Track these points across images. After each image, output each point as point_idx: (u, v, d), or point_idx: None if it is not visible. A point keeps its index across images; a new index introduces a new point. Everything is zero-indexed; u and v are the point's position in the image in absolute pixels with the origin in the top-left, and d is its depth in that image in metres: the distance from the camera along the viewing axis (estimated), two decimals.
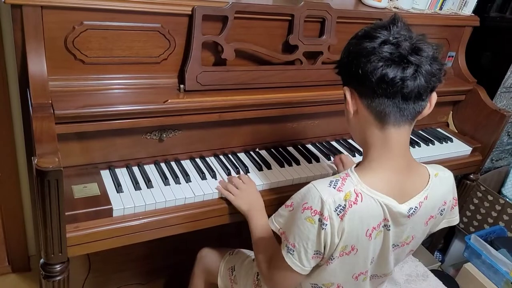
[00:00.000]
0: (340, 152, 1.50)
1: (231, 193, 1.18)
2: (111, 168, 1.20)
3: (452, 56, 1.82)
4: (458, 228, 2.19)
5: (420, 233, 0.99)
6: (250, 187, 1.20)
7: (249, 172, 1.30)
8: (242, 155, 1.38)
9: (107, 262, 1.62)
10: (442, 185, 0.96)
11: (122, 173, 1.19)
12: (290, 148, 1.48)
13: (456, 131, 1.87)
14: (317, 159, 1.43)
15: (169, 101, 1.16)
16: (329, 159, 1.45)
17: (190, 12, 1.19)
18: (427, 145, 1.69)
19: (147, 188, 1.16)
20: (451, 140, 1.77)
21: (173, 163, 1.28)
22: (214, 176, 1.26)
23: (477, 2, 1.76)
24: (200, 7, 1.18)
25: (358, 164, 0.93)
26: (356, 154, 1.52)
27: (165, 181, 1.19)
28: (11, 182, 1.60)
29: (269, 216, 1.02)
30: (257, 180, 1.27)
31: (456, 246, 2.20)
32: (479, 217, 2.14)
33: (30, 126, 1.04)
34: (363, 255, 0.92)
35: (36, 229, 1.49)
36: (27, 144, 1.26)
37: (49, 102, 1.05)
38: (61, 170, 0.89)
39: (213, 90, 1.27)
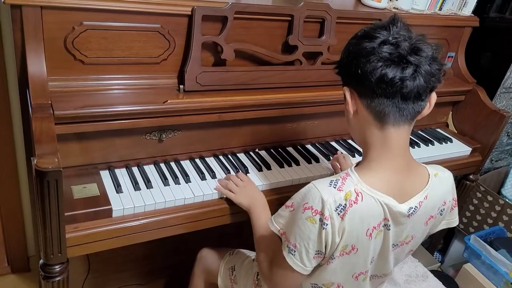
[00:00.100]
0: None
1: (231, 191, 1.18)
2: (110, 168, 1.20)
3: (452, 57, 1.82)
4: (457, 228, 2.19)
5: (420, 233, 0.99)
6: (249, 183, 1.21)
7: (248, 173, 1.30)
8: (241, 156, 1.38)
9: (106, 263, 1.62)
10: (442, 185, 0.97)
11: (121, 174, 1.19)
12: (290, 149, 1.48)
13: (456, 132, 1.87)
14: (317, 160, 1.43)
15: (168, 101, 1.16)
16: (328, 159, 1.45)
17: (189, 13, 1.19)
18: (427, 145, 1.69)
19: (147, 188, 1.16)
20: (451, 141, 1.77)
21: (172, 164, 1.28)
22: (213, 176, 1.26)
23: (476, 2, 1.76)
24: (200, 7, 1.18)
25: (358, 164, 0.93)
26: (356, 155, 1.52)
27: (165, 182, 1.19)
28: (11, 183, 1.60)
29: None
30: (257, 180, 1.27)
31: (456, 247, 2.20)
32: (478, 217, 2.14)
33: (29, 127, 1.04)
34: (363, 255, 0.92)
35: (36, 230, 1.49)
36: (26, 144, 1.26)
37: (48, 103, 1.05)
38: (61, 170, 0.89)
39: (212, 90, 1.27)
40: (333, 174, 1.36)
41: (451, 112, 1.89)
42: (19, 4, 1.01)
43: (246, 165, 1.33)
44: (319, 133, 1.54)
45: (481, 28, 1.80)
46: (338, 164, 1.35)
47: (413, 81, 0.81)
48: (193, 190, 1.19)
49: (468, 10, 1.77)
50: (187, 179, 1.22)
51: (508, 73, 1.97)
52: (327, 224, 0.84)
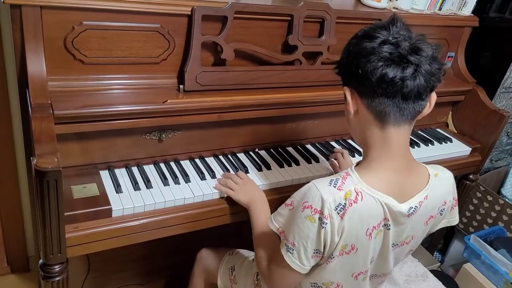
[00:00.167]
0: None
1: (230, 189, 1.18)
2: (110, 168, 1.20)
3: (452, 57, 1.82)
4: (457, 228, 2.19)
5: (420, 233, 0.99)
6: (249, 181, 1.21)
7: (248, 173, 1.30)
8: (241, 156, 1.38)
9: (106, 262, 1.62)
10: (442, 185, 0.97)
11: (121, 174, 1.19)
12: (290, 149, 1.48)
13: (456, 132, 1.87)
14: (317, 160, 1.43)
15: (168, 101, 1.16)
16: (328, 159, 1.44)
17: (189, 13, 1.18)
18: (427, 145, 1.69)
19: (147, 188, 1.16)
20: (451, 141, 1.77)
21: (172, 164, 1.28)
22: (213, 176, 1.26)
23: (476, 2, 1.76)
24: (200, 7, 1.18)
25: (358, 164, 0.93)
26: (356, 155, 1.52)
27: (165, 182, 1.19)
28: (10, 183, 1.60)
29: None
30: (257, 180, 1.27)
31: (456, 247, 2.20)
32: (478, 217, 2.14)
33: (29, 126, 1.04)
34: (363, 255, 0.92)
35: (35, 230, 1.49)
36: (26, 144, 1.26)
37: (48, 102, 1.05)
38: (60, 170, 0.89)
39: (212, 90, 1.27)
40: (333, 174, 1.37)
41: (451, 112, 1.89)
42: (18, 4, 1.00)
43: (246, 165, 1.33)
44: (319, 133, 1.54)
45: (480, 28, 1.80)
46: (336, 163, 1.35)
47: (414, 80, 0.81)
48: (192, 190, 1.19)
49: (467, 10, 1.77)
50: (187, 179, 1.22)
51: (507, 73, 1.97)
52: (326, 223, 0.84)
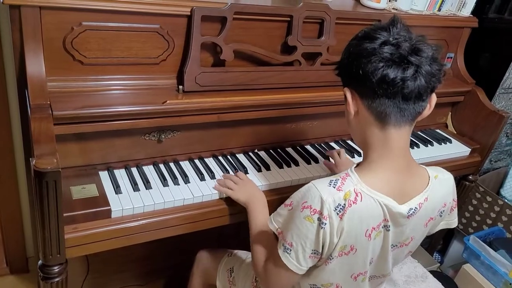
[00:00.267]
0: None
1: (229, 188, 1.18)
2: (109, 169, 1.19)
3: (451, 57, 1.83)
4: (457, 229, 2.19)
5: (419, 235, 0.99)
6: (248, 181, 1.21)
7: (248, 173, 1.30)
8: (241, 156, 1.38)
9: (106, 263, 1.62)
10: (442, 187, 0.97)
11: (120, 174, 1.19)
12: (289, 149, 1.48)
13: (455, 132, 1.87)
14: (316, 160, 1.43)
15: (168, 102, 1.16)
16: (328, 160, 1.44)
17: (189, 13, 1.18)
18: (426, 146, 1.69)
19: (146, 189, 1.16)
20: (450, 141, 1.77)
21: (171, 164, 1.27)
22: (213, 177, 1.25)
23: (475, 3, 1.76)
24: (199, 8, 1.18)
25: (358, 165, 0.93)
26: (355, 155, 1.52)
27: (164, 182, 1.19)
28: (10, 183, 1.60)
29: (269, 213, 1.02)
30: (256, 181, 1.27)
31: (455, 247, 2.20)
32: (478, 218, 2.14)
33: (28, 127, 1.04)
34: (362, 255, 0.92)
35: (35, 231, 1.49)
36: (25, 145, 1.26)
37: (47, 103, 1.05)
38: (59, 171, 0.89)
39: (212, 91, 1.27)
40: (331, 174, 1.37)
41: (450, 113, 1.89)
42: (18, 4, 1.00)
43: (245, 165, 1.33)
44: (318, 134, 1.54)
45: (480, 28, 1.80)
46: (332, 161, 1.35)
47: (414, 81, 0.81)
48: (192, 190, 1.19)
49: (467, 11, 1.77)
50: (186, 179, 1.22)
51: (507, 74, 1.97)
52: (325, 224, 0.84)
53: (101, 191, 1.11)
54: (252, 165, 1.35)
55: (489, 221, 2.10)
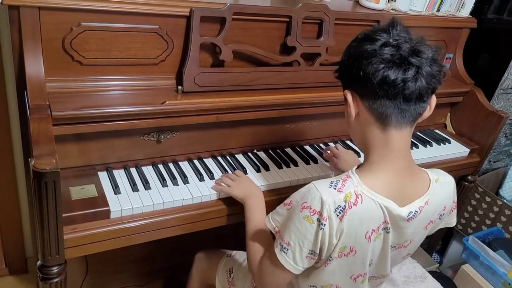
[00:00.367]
0: None
1: (227, 185, 1.18)
2: (108, 169, 1.19)
3: (450, 58, 1.83)
4: (456, 229, 2.19)
5: (418, 237, 0.99)
6: (246, 178, 1.21)
7: (247, 174, 1.30)
8: (240, 157, 1.38)
9: (105, 264, 1.62)
10: (443, 190, 0.96)
11: (119, 175, 1.19)
12: (288, 150, 1.48)
13: (454, 133, 1.87)
14: (315, 161, 1.43)
15: (167, 102, 1.16)
16: (326, 160, 1.45)
17: (188, 14, 1.19)
18: (425, 146, 1.70)
19: (145, 189, 1.16)
20: (449, 142, 1.77)
21: (171, 165, 1.27)
22: (212, 177, 1.25)
23: (474, 4, 1.76)
24: (198, 8, 1.18)
25: (359, 166, 0.93)
26: None
27: (163, 183, 1.19)
28: (9, 184, 1.59)
29: (267, 212, 1.02)
30: (255, 181, 1.27)
31: (454, 248, 2.20)
32: (477, 218, 2.14)
33: (27, 128, 1.04)
34: (362, 257, 0.92)
35: (34, 231, 1.49)
36: (24, 145, 1.26)
37: (46, 104, 1.05)
38: (59, 171, 0.89)
39: (211, 91, 1.27)
40: (330, 168, 1.37)
41: (449, 113, 1.89)
42: (17, 5, 1.00)
43: (245, 166, 1.33)
44: (317, 134, 1.54)
45: (478, 29, 1.80)
46: (333, 157, 1.35)
47: (415, 82, 0.81)
48: (191, 191, 1.19)
49: (465, 12, 1.77)
50: (185, 180, 1.22)
51: (505, 74, 1.97)
52: (324, 225, 0.84)
53: (100, 191, 1.11)
54: (251, 165, 1.35)
55: (488, 222, 2.10)
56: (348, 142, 1.59)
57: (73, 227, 1.02)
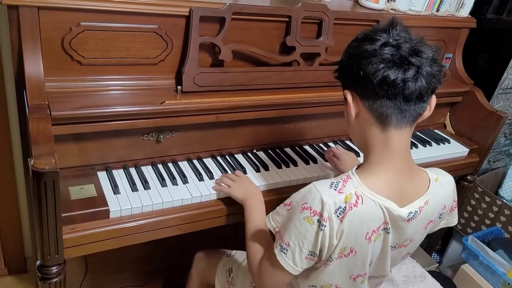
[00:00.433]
0: None
1: (226, 185, 1.18)
2: (108, 169, 1.19)
3: (449, 58, 1.83)
4: (455, 229, 2.19)
5: (418, 237, 0.99)
6: (245, 178, 1.21)
7: (246, 173, 1.30)
8: (239, 157, 1.38)
9: (104, 264, 1.62)
10: (443, 190, 0.96)
11: (119, 174, 1.19)
12: (288, 150, 1.48)
13: (453, 133, 1.87)
14: (315, 160, 1.43)
15: (166, 102, 1.16)
16: (326, 160, 1.45)
17: (187, 13, 1.18)
18: (425, 146, 1.70)
19: (144, 189, 1.16)
20: (448, 142, 1.77)
21: (170, 164, 1.27)
22: (211, 177, 1.25)
23: (473, 4, 1.76)
24: (198, 8, 1.18)
25: (358, 167, 0.93)
26: None
27: (162, 182, 1.19)
28: (8, 184, 1.59)
29: (266, 212, 1.02)
30: (255, 181, 1.27)
31: (454, 247, 2.20)
32: (476, 218, 2.14)
33: (26, 128, 1.03)
34: (362, 258, 0.91)
35: (33, 231, 1.49)
36: (23, 145, 1.26)
37: (45, 103, 1.05)
38: (58, 171, 0.89)
39: (210, 91, 1.27)
40: (330, 168, 1.37)
41: (448, 113, 1.89)
42: (16, 5, 1.00)
43: (244, 165, 1.33)
44: (317, 134, 1.54)
45: (478, 29, 1.80)
46: (334, 158, 1.35)
47: (415, 82, 0.81)
48: (190, 191, 1.19)
49: (465, 12, 1.77)
50: (184, 180, 1.22)
51: (505, 74, 1.97)
52: (325, 226, 0.84)
53: (100, 191, 1.11)
54: (251, 165, 1.35)
55: (487, 221, 2.10)
56: (348, 142, 1.59)
57: (72, 227, 1.02)
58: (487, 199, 2.08)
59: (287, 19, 1.34)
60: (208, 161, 1.33)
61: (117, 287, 1.71)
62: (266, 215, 0.98)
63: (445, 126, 1.91)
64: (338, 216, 0.84)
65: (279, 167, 1.37)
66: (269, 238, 1.01)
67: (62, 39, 1.09)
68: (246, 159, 1.37)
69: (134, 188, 1.15)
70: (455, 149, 1.73)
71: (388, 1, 1.64)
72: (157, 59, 1.22)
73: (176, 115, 1.20)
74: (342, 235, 0.85)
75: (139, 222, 1.09)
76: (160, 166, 1.26)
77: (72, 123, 1.06)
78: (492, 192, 2.15)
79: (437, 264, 2.12)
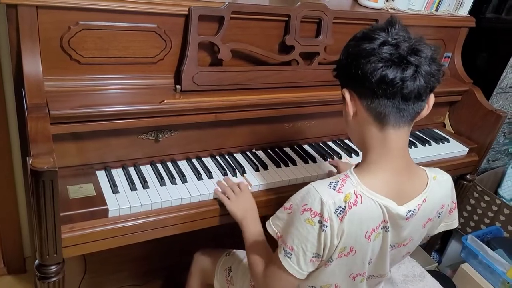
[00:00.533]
0: (337, 153, 1.50)
1: (227, 197, 1.17)
2: (107, 168, 1.19)
3: (448, 57, 1.83)
4: (455, 228, 2.19)
5: (417, 236, 0.99)
6: (246, 193, 1.19)
7: (245, 173, 1.30)
8: (238, 156, 1.38)
9: (103, 263, 1.62)
10: (441, 188, 0.96)
11: (118, 174, 1.19)
12: (287, 149, 1.48)
13: (453, 132, 1.87)
14: (314, 160, 1.43)
15: (165, 101, 1.16)
16: (325, 159, 1.45)
17: (186, 13, 1.18)
18: (424, 145, 1.70)
19: (143, 188, 1.16)
20: (448, 141, 1.77)
21: (169, 164, 1.27)
22: (210, 176, 1.25)
23: (473, 3, 1.76)
24: (196, 7, 1.18)
25: (357, 166, 0.92)
26: (353, 155, 1.52)
27: (161, 182, 1.19)
28: (7, 183, 1.59)
29: (264, 218, 1.01)
30: (254, 180, 1.27)
31: (453, 247, 2.20)
32: (475, 217, 2.14)
33: (25, 127, 1.03)
34: (362, 257, 0.91)
35: (32, 230, 1.49)
36: (22, 145, 1.26)
37: (44, 103, 1.04)
38: (56, 170, 0.89)
39: (209, 90, 1.27)
40: (330, 175, 1.37)
41: (448, 112, 1.89)
42: (14, 4, 1.00)
43: (243, 165, 1.33)
44: (316, 133, 1.54)
45: (477, 28, 1.80)
46: (334, 168, 1.35)
47: (414, 81, 0.81)
48: (189, 190, 1.19)
49: (464, 11, 1.77)
50: (183, 179, 1.22)
51: (504, 74, 1.97)
52: (326, 226, 0.84)
53: (98, 190, 1.11)
54: (250, 164, 1.35)
55: (487, 221, 2.10)
56: (347, 142, 1.59)
57: (71, 226, 1.02)
58: (487, 198, 2.08)
59: (286, 18, 1.34)
60: (207, 161, 1.33)
61: (116, 286, 1.71)
62: (264, 219, 0.98)
63: (444, 126, 1.91)
64: (338, 216, 0.84)
65: (278, 166, 1.37)
66: (270, 248, 1.01)
67: (60, 38, 1.09)
68: (245, 159, 1.37)
69: (133, 187, 1.15)
70: (455, 148, 1.73)
71: (387, 0, 1.64)
72: (156, 58, 1.22)
73: (175, 114, 1.19)
74: (343, 235, 0.85)
75: (138, 222, 1.09)
76: (159, 166, 1.26)
77: (70, 122, 1.06)
78: (491, 191, 2.15)
79: (437, 264, 2.12)
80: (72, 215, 1.03)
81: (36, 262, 1.03)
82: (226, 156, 1.36)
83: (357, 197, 0.85)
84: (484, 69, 2.02)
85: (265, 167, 1.34)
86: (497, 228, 2.04)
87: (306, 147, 1.52)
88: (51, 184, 0.89)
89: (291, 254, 0.88)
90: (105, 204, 1.07)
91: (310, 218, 0.84)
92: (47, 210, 0.92)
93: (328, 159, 1.43)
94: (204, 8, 1.19)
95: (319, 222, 0.84)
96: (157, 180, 1.20)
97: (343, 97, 0.90)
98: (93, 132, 1.11)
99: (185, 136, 1.27)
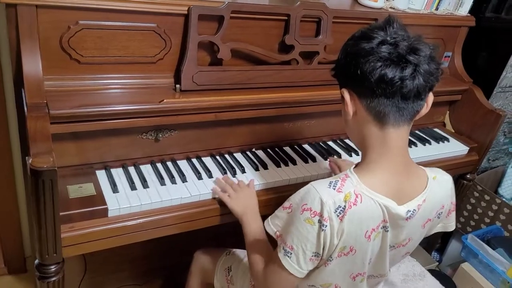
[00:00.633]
0: (337, 152, 1.50)
1: (227, 194, 1.17)
2: (106, 168, 1.19)
3: (448, 56, 1.83)
4: (455, 228, 2.19)
5: (417, 236, 0.99)
6: (247, 190, 1.19)
7: (245, 172, 1.30)
8: (238, 155, 1.38)
9: (103, 263, 1.62)
10: (441, 188, 0.96)
11: (118, 173, 1.19)
12: (287, 148, 1.48)
13: (453, 131, 1.87)
14: (314, 159, 1.43)
15: (165, 101, 1.16)
16: (325, 159, 1.45)
17: (186, 12, 1.18)
18: (424, 145, 1.69)
19: (143, 188, 1.16)
20: (448, 140, 1.77)
21: (169, 163, 1.27)
22: (210, 176, 1.25)
23: (472, 2, 1.76)
24: (196, 6, 1.18)
25: (357, 165, 0.92)
26: (353, 154, 1.52)
27: (161, 181, 1.19)
28: (7, 182, 1.59)
29: (264, 217, 1.01)
30: (254, 180, 1.27)
31: (453, 246, 2.20)
32: (476, 217, 2.14)
33: (25, 126, 1.03)
34: (361, 256, 0.91)
35: (32, 230, 1.49)
36: (22, 144, 1.26)
37: (44, 102, 1.04)
38: (56, 170, 0.89)
39: (209, 90, 1.27)
40: (331, 174, 1.37)
41: (448, 112, 1.89)
42: (14, 3, 1.00)
43: (243, 164, 1.33)
44: (316, 133, 1.54)
45: (477, 28, 1.80)
46: (336, 166, 1.35)
47: (413, 80, 0.81)
48: (189, 189, 1.19)
49: (464, 10, 1.77)
50: (183, 178, 1.22)
51: (504, 73, 1.97)
52: (326, 226, 0.83)
53: (98, 190, 1.11)
54: (250, 164, 1.35)
55: (487, 220, 2.10)
56: (347, 141, 1.59)
57: (71, 225, 1.02)
58: (487, 197, 2.08)
59: (286, 18, 1.34)
60: (207, 160, 1.33)
61: (116, 286, 1.71)
62: (264, 218, 0.98)
63: (444, 125, 1.91)
64: (338, 216, 0.84)
65: (278, 166, 1.37)
66: (270, 246, 1.00)
67: (60, 38, 1.09)
68: (245, 158, 1.37)
69: (132, 186, 1.15)
70: (455, 148, 1.73)
71: (387, 0, 1.64)
72: (155, 58, 1.22)
73: (175, 114, 1.19)
74: (343, 235, 0.85)
75: (138, 221, 1.09)
76: (159, 165, 1.26)
77: (70, 121, 1.06)
78: (491, 190, 2.15)
79: (437, 263, 2.12)
80: (72, 215, 1.03)
81: (36, 261, 1.03)
82: (226, 156, 1.36)
83: (357, 196, 0.85)
84: (484, 69, 2.02)
85: (265, 167, 1.34)
86: (497, 227, 2.04)
87: (306, 146, 1.52)
88: (50, 184, 0.89)
89: (291, 254, 0.88)
90: (105, 203, 1.07)
91: (310, 218, 0.84)
92: (46, 209, 0.92)
93: (328, 158, 1.43)
94: (204, 8, 1.19)
95: (318, 222, 0.84)
96: (157, 180, 1.20)
97: (342, 97, 0.90)
98: (93, 131, 1.11)
99: (185, 135, 1.27)
